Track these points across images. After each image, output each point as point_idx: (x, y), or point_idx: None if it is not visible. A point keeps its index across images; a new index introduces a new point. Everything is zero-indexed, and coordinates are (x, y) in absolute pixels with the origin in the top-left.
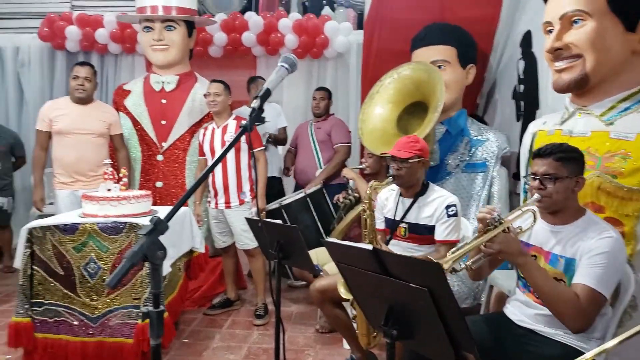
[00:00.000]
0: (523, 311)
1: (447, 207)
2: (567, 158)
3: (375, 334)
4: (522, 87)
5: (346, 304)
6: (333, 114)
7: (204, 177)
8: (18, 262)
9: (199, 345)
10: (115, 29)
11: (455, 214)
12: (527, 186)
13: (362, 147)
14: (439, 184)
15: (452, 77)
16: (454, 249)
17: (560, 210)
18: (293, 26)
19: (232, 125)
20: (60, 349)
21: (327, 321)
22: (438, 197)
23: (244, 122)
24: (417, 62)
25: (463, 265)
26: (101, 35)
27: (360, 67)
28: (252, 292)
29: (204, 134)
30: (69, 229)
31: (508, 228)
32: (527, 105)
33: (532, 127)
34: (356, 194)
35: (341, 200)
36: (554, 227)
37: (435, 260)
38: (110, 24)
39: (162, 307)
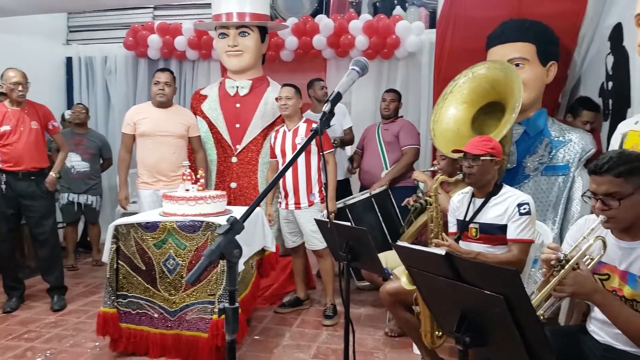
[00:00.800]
0: (603, 329)
1: (519, 205)
2: (629, 171)
3: (439, 333)
4: (610, 84)
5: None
6: (402, 116)
7: (277, 180)
8: (105, 256)
9: (270, 342)
10: (193, 36)
11: (527, 212)
12: (585, 198)
13: (434, 149)
14: (516, 187)
15: (530, 75)
16: None
17: (632, 227)
18: (363, 27)
19: (302, 128)
20: (142, 339)
21: (397, 325)
22: (510, 196)
23: (314, 125)
24: (493, 60)
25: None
26: (180, 42)
27: (433, 66)
28: (321, 293)
29: (275, 137)
30: (150, 227)
31: (577, 264)
32: (617, 103)
33: (623, 127)
34: (427, 198)
35: (412, 203)
36: (626, 244)
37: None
38: (188, 31)
39: (237, 304)
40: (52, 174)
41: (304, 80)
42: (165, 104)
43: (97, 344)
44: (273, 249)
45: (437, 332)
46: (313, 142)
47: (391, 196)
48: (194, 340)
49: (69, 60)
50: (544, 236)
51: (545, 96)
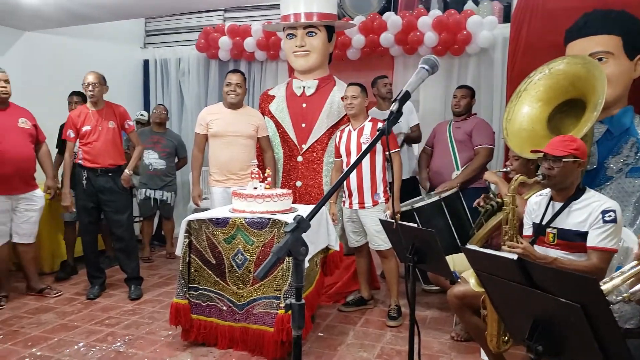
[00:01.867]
0: None
1: (604, 212)
2: None
3: (506, 338)
4: None
5: None
6: (475, 114)
7: (342, 180)
8: (179, 250)
9: (334, 340)
10: (261, 37)
11: (613, 220)
12: None
13: (507, 149)
14: (596, 190)
15: (615, 70)
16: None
17: None
18: (433, 23)
19: (367, 127)
20: (211, 330)
21: (464, 329)
22: (594, 202)
23: (380, 124)
24: (573, 55)
25: (620, 298)
26: (249, 43)
27: (506, 63)
28: (386, 293)
29: (340, 136)
30: (220, 223)
31: None
32: None
33: None
34: (499, 199)
35: (482, 205)
36: None
37: (590, 276)
38: (257, 32)
39: (303, 301)
40: (127, 171)
41: (371, 79)
42: (236, 105)
43: (170, 332)
44: (337, 248)
45: (503, 337)
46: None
47: (462, 199)
48: (260, 334)
49: (146, 63)
50: (628, 242)
51: (632, 93)
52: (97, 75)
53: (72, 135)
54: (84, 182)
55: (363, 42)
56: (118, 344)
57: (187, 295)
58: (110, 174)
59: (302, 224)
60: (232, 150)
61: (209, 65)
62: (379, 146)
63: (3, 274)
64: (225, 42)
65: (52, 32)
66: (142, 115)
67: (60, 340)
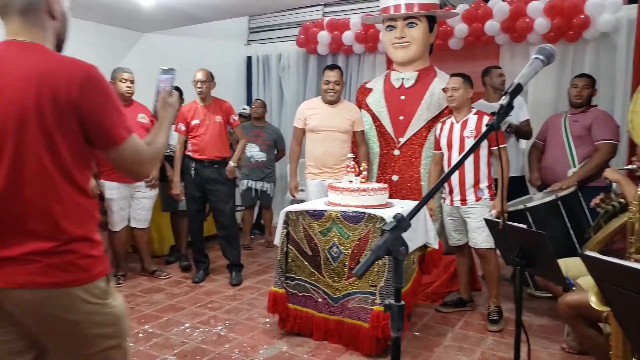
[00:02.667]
0: None
1: None
2: None
3: None
4: None
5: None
6: (596, 106)
7: (445, 179)
8: (277, 239)
9: (431, 340)
10: (360, 30)
11: None
12: None
13: (632, 145)
14: None
15: None
16: None
17: None
18: (545, 9)
19: (472, 120)
20: (307, 321)
21: (577, 340)
22: None
23: (486, 117)
24: None
25: None
26: (347, 37)
27: (632, 48)
28: (487, 295)
29: (442, 128)
30: (317, 215)
31: None
32: None
33: None
34: (621, 200)
35: (601, 205)
36: None
37: None
38: (356, 25)
39: (402, 302)
40: (231, 163)
41: (474, 69)
42: (334, 101)
43: (267, 320)
44: (436, 246)
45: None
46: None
47: (581, 198)
48: (355, 329)
49: (248, 59)
50: None
51: None
52: (205, 73)
53: (183, 128)
54: (192, 172)
55: (466, 31)
56: (219, 327)
57: (284, 285)
58: (216, 166)
59: (402, 223)
60: (327, 145)
61: (308, 60)
62: (484, 141)
63: (122, 255)
64: (324, 36)
65: (166, 33)
66: (244, 109)
67: (169, 319)
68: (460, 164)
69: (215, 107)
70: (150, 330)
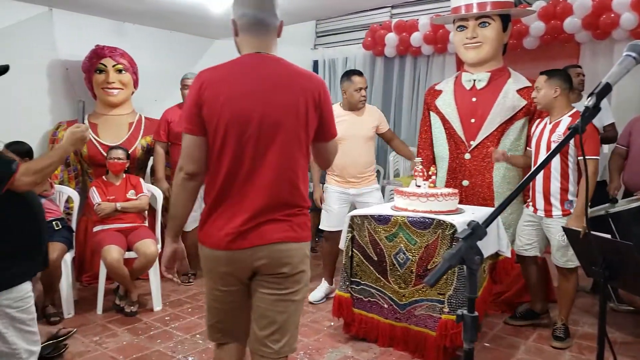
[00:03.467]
0: None
1: None
2: None
3: None
4: None
5: None
6: None
7: (524, 186)
8: (342, 243)
9: (501, 352)
10: (429, 31)
11: None
12: None
13: None
14: None
15: None
16: None
17: None
18: (632, 3)
19: (564, 123)
20: (372, 326)
21: None
22: None
23: (568, 119)
24: None
25: None
26: (415, 38)
27: None
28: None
29: (537, 126)
30: (382, 220)
31: None
32: None
33: None
34: None
35: None
36: None
37: None
38: (424, 26)
39: (476, 313)
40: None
41: (550, 69)
42: (359, 109)
43: (332, 323)
44: (508, 254)
45: None
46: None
47: None
48: (422, 337)
49: (315, 63)
50: None
51: None
52: None
53: None
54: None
55: (543, 29)
56: None
57: (349, 289)
58: None
59: (478, 231)
60: (354, 154)
61: (374, 63)
62: (573, 146)
63: (193, 255)
64: (391, 38)
65: None
66: None
67: None
68: (536, 173)
69: None
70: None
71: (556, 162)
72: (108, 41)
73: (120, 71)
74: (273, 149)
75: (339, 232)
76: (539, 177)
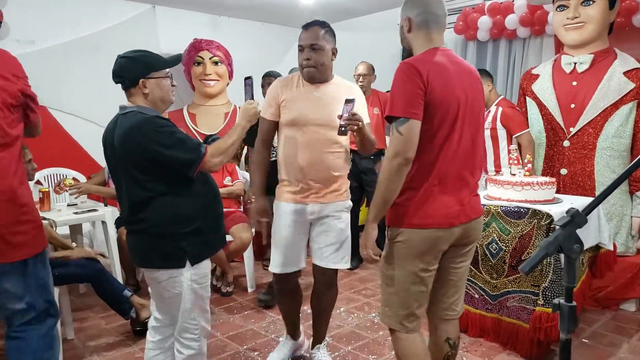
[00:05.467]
0: None
1: None
2: None
3: None
4: None
5: None
6: None
7: (631, 171)
8: None
9: (601, 350)
10: (525, 13)
11: None
12: None
13: None
14: None
15: None
16: None
17: None
18: None
19: None
20: (462, 316)
21: None
22: None
23: None
24: None
25: None
26: (511, 20)
27: None
28: None
29: None
30: None
31: None
32: None
33: None
34: None
35: None
36: None
37: None
38: (520, 8)
39: (574, 303)
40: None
41: None
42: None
43: None
44: (610, 247)
45: None
46: None
47: None
48: (514, 329)
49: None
50: None
51: None
52: (367, 66)
53: None
54: (350, 163)
55: None
56: (373, 314)
57: None
58: (372, 157)
59: (577, 219)
60: None
61: (466, 47)
62: None
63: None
64: (484, 21)
65: None
66: None
67: None
68: None
69: (375, 99)
70: (309, 311)
71: None
72: (205, 34)
73: (216, 63)
74: (480, 131)
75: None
76: None
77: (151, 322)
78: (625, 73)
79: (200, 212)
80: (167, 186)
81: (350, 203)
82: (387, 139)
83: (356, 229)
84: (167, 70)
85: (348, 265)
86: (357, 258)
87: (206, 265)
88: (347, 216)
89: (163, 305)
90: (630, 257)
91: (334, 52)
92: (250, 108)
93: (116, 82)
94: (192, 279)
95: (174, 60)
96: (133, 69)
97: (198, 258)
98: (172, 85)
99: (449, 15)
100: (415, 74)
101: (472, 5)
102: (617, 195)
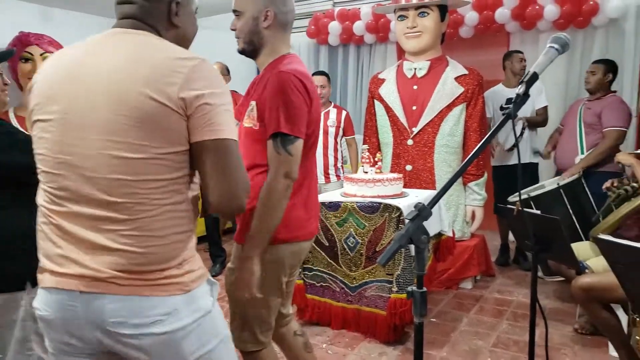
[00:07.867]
0: None
1: None
2: None
3: None
4: None
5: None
6: (614, 92)
7: (465, 167)
8: None
9: (446, 326)
10: (370, 20)
11: None
12: None
13: None
14: None
15: None
16: None
17: None
18: None
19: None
20: (325, 310)
21: (589, 322)
22: None
23: (503, 105)
24: None
25: None
26: (358, 27)
27: None
28: (502, 281)
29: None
30: (333, 206)
31: None
32: None
33: None
34: (635, 184)
35: (612, 188)
36: None
37: None
38: (367, 15)
39: (425, 289)
40: None
41: (485, 57)
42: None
43: None
44: (450, 234)
45: None
46: None
47: (585, 185)
48: (373, 317)
49: None
50: None
51: None
52: (221, 66)
53: None
54: None
55: (476, 19)
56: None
57: (302, 276)
58: None
59: (423, 212)
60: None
61: (318, 52)
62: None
63: None
64: (334, 27)
65: (202, 27)
66: None
67: None
68: (474, 157)
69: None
70: None
71: None
72: (34, 28)
73: None
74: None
75: None
76: None
77: None
78: (456, 78)
79: None
80: None
81: None
82: None
83: (219, 236)
84: None
85: None
86: (219, 265)
87: None
88: None
89: None
90: (466, 241)
91: None
92: None
93: None
94: None
95: (3, 56)
96: None
97: None
98: (5, 85)
99: (300, 19)
100: (302, 89)
101: (322, 10)
102: (453, 186)
